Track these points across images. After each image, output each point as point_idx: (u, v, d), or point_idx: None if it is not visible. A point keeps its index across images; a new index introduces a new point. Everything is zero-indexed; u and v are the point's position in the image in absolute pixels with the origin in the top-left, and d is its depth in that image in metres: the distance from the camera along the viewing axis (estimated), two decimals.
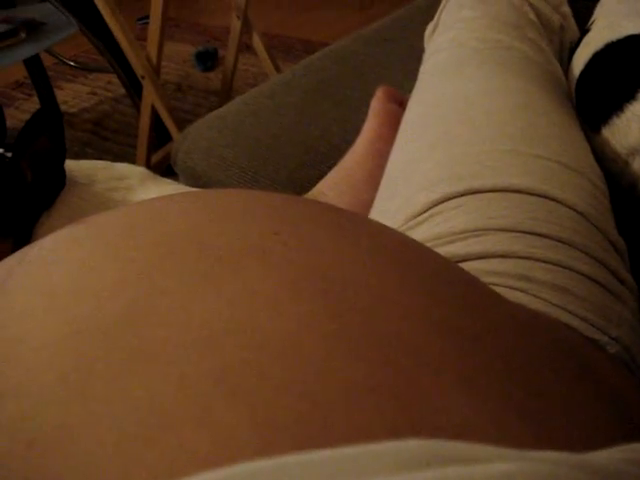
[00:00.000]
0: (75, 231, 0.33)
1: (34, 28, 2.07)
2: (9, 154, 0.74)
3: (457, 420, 0.24)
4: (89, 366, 0.24)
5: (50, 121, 0.74)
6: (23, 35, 2.00)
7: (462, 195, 0.51)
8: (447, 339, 0.29)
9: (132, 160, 2.06)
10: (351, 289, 0.29)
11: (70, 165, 0.79)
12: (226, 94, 2.29)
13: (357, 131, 0.86)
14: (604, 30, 0.74)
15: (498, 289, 0.44)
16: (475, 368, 0.28)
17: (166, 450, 0.21)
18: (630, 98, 0.64)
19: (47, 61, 2.67)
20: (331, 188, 0.79)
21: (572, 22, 0.87)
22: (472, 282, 0.37)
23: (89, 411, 0.22)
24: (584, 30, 0.80)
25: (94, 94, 2.92)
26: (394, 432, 0.22)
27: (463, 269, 0.39)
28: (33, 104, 2.80)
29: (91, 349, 0.25)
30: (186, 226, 0.32)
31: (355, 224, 0.36)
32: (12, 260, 0.32)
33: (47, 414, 0.23)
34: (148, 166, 1.98)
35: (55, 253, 0.32)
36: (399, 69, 1.10)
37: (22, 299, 0.29)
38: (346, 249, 0.32)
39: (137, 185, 0.81)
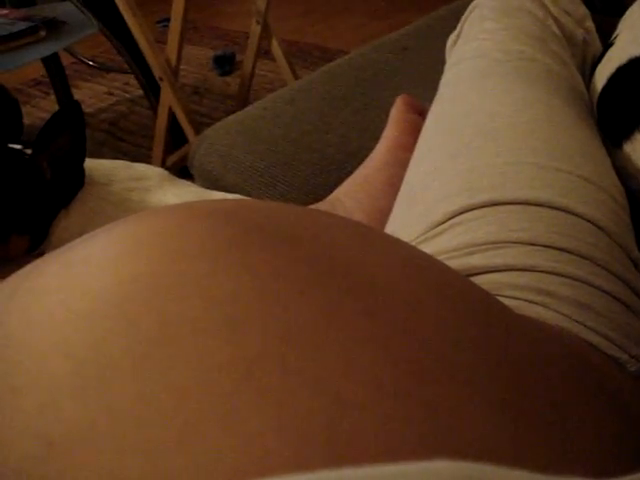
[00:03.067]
0: (102, 227, 0.32)
1: (54, 27, 2.07)
2: (28, 151, 0.75)
3: (485, 438, 0.24)
4: (106, 354, 0.23)
5: (72, 120, 0.74)
6: (43, 33, 2.00)
7: (482, 207, 0.51)
8: (477, 354, 0.28)
9: (147, 161, 2.06)
10: (380, 290, 0.28)
11: (89, 164, 0.79)
12: (243, 98, 2.30)
13: (376, 139, 0.85)
14: (627, 45, 0.73)
15: (518, 302, 0.43)
16: (503, 386, 0.28)
17: (192, 457, 0.20)
18: None
19: (65, 60, 2.68)
20: (348, 195, 0.78)
21: (595, 37, 0.87)
22: (488, 299, 0.37)
23: (108, 407, 0.21)
24: (607, 45, 0.79)
25: (111, 94, 2.93)
26: (423, 445, 0.22)
27: (477, 285, 0.38)
28: (50, 102, 2.81)
29: (107, 330, 0.23)
30: (212, 207, 0.31)
31: (379, 236, 0.36)
32: (41, 258, 0.31)
33: (65, 410, 0.22)
34: (163, 168, 1.98)
35: (77, 241, 0.31)
36: (419, 78, 1.09)
37: (42, 281, 0.28)
38: (374, 255, 0.32)
39: (155, 186, 0.81)
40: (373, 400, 0.22)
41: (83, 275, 0.26)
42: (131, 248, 0.27)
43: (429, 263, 0.36)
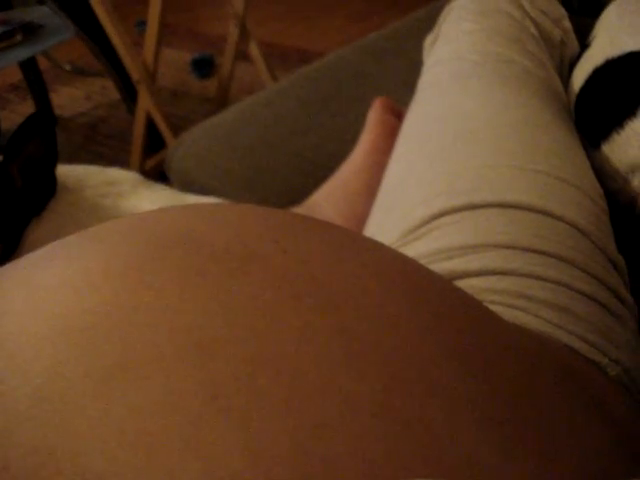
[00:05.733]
0: (67, 239, 0.32)
1: (31, 30, 2.05)
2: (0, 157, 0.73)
3: (467, 455, 0.23)
4: (67, 377, 0.22)
5: (43, 126, 0.72)
6: (19, 37, 1.99)
7: (461, 210, 0.50)
8: (457, 365, 0.27)
9: (126, 165, 2.05)
10: (354, 305, 0.27)
11: (61, 170, 0.78)
12: (222, 102, 2.28)
13: (354, 142, 0.85)
14: (604, 46, 0.73)
15: (497, 307, 0.43)
16: (485, 397, 0.27)
17: None
18: (630, 114, 0.64)
19: (43, 64, 2.65)
20: (326, 199, 0.78)
21: (573, 37, 0.86)
22: (473, 304, 0.36)
23: (68, 432, 0.21)
24: (584, 45, 0.79)
25: (89, 98, 2.91)
26: (399, 465, 0.21)
27: (463, 290, 0.37)
28: (28, 107, 2.79)
29: (69, 355, 0.23)
30: (181, 227, 0.30)
31: (355, 241, 0.35)
32: (3, 268, 0.31)
33: (22, 433, 0.21)
34: (142, 172, 1.95)
35: (42, 256, 0.30)
36: (397, 80, 1.09)
37: (3, 302, 0.27)
38: (348, 265, 0.31)
39: (129, 191, 0.80)
40: (347, 420, 0.22)
41: (47, 301, 0.26)
42: (96, 279, 0.26)
43: (409, 268, 0.35)
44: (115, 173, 0.82)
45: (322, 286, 0.28)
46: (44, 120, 0.72)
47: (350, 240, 0.35)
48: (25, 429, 0.21)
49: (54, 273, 0.28)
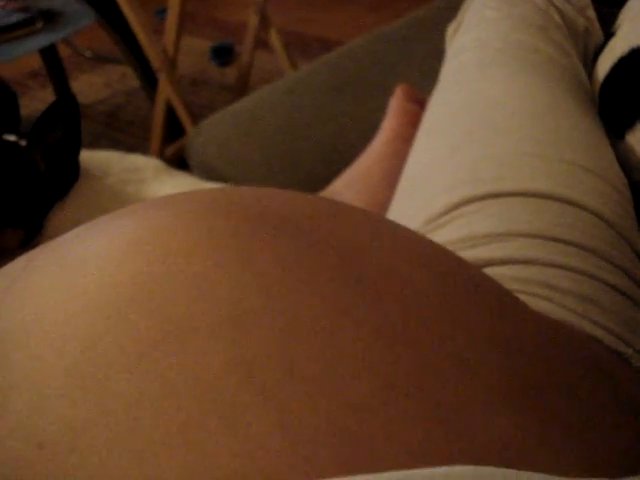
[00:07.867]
0: (96, 220, 0.31)
1: (51, 18, 2.06)
2: (23, 142, 0.74)
3: (502, 437, 0.23)
4: (101, 354, 0.22)
5: (67, 112, 0.73)
6: (39, 25, 1.99)
7: (484, 198, 0.50)
8: (490, 348, 0.27)
9: (145, 153, 2.06)
10: (390, 282, 0.27)
11: (84, 156, 0.78)
12: (241, 90, 2.28)
13: (375, 130, 0.85)
14: (629, 35, 0.72)
15: (521, 296, 0.42)
16: (518, 381, 0.27)
17: (189, 463, 0.19)
18: None
19: (63, 51, 2.66)
20: (347, 186, 0.77)
21: (597, 26, 0.85)
22: (501, 291, 0.36)
23: (102, 410, 0.21)
24: (609, 34, 0.79)
25: (109, 86, 2.92)
26: (435, 446, 0.21)
27: (490, 277, 0.37)
28: (47, 94, 2.80)
29: (102, 332, 0.23)
30: (212, 197, 0.30)
31: (387, 225, 0.35)
32: (35, 251, 0.31)
33: (57, 410, 0.21)
34: (161, 159, 1.97)
35: (72, 235, 0.30)
36: (418, 68, 1.08)
37: (36, 281, 0.27)
38: (383, 248, 0.30)
39: (151, 177, 0.80)
40: (384, 401, 0.22)
41: (79, 276, 0.25)
42: (128, 248, 0.26)
43: (440, 253, 0.35)
44: (137, 160, 0.82)
45: (358, 263, 0.28)
46: (68, 106, 0.73)
47: (381, 223, 0.34)
48: (59, 406, 0.21)
49: (85, 247, 0.27)
